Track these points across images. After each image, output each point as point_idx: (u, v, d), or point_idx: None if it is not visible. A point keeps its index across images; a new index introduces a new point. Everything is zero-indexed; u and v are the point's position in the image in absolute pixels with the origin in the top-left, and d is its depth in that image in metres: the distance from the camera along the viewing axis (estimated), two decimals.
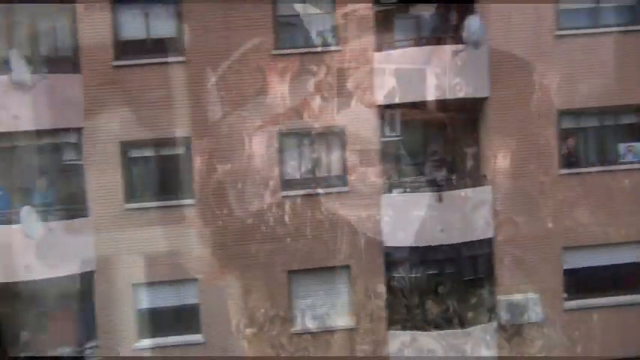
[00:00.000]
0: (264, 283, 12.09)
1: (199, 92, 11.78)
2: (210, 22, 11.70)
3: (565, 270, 12.53)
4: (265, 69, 11.80)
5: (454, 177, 12.43)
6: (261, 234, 12.00)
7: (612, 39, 12.23)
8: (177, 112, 11.81)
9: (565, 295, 12.53)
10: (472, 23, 11.74)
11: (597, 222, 12.46)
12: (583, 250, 12.55)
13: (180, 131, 11.87)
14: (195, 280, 12.03)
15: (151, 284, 12.05)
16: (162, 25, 11.87)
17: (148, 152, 12.13)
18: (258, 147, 11.95)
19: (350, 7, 11.83)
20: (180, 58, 11.73)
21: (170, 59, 11.76)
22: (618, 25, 12.34)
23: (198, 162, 11.89)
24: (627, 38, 12.30)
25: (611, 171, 12.59)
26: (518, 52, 12.08)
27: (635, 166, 12.62)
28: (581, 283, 12.62)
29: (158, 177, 12.25)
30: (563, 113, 12.40)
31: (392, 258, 12.26)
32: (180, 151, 12.09)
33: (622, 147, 12.74)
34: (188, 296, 12.12)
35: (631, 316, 12.66)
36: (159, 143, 12.02)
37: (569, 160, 12.60)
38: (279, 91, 11.91)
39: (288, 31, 12.07)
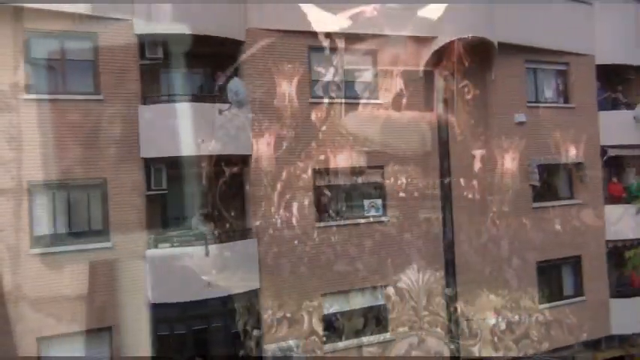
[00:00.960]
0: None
1: None
2: None
3: (324, 315, 13.44)
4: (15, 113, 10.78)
5: (221, 230, 12.59)
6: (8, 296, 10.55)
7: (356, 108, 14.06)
8: None
9: (324, 339, 13.34)
10: (235, 84, 12.50)
11: (351, 269, 13.73)
12: (339, 295, 13.66)
13: None
14: None
15: None
16: None
17: None
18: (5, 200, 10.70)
19: (114, 56, 11.61)
20: None
21: None
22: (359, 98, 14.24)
23: None
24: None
25: (358, 223, 14.11)
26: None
27: (377, 219, 14.33)
28: (339, 326, 13.65)
29: None
30: (317, 172, 13.64)
31: (158, 315, 11.72)
32: None
33: (366, 202, 14.42)
34: None
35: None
36: None
37: (325, 214, 13.80)
38: (30, 138, 10.94)
39: (44, 74, 11.28)
